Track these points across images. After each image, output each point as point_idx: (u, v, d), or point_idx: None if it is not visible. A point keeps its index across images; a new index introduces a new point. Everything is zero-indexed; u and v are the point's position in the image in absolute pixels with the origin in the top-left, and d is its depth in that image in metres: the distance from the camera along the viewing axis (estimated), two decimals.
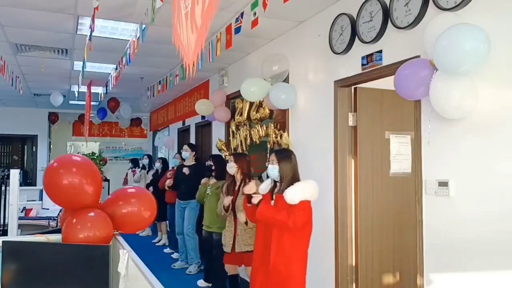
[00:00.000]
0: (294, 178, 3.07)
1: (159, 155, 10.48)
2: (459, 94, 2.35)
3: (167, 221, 7.34)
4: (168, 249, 7.24)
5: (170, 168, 7.57)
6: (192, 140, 7.73)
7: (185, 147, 6.13)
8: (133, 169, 8.88)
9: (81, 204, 2.42)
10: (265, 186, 3.22)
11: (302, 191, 2.94)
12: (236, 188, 4.15)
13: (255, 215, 3.07)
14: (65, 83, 7.58)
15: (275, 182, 3.17)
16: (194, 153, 6.01)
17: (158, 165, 7.88)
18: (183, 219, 5.98)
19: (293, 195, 2.91)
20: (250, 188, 3.30)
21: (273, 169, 3.11)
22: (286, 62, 4.35)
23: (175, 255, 6.79)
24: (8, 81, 6.04)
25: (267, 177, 3.29)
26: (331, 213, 3.65)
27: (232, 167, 4.16)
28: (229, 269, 4.28)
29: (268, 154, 4.75)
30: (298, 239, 3.00)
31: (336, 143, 3.63)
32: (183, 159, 6.38)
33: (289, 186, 3.00)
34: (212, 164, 5.07)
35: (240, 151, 5.34)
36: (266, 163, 3.28)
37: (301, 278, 3.00)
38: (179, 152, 6.95)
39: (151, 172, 8.20)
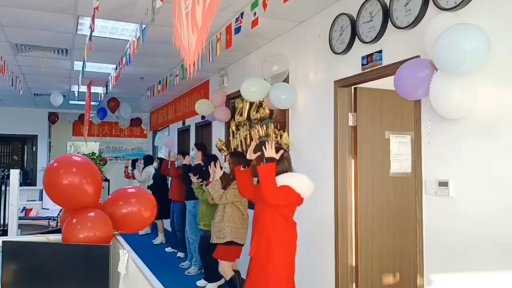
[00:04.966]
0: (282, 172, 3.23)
1: (159, 155, 10.49)
2: (459, 94, 2.34)
3: (170, 219, 7.34)
4: (170, 248, 7.24)
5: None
6: (192, 140, 7.73)
7: (193, 146, 6.25)
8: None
9: (81, 204, 2.42)
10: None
11: (288, 177, 3.16)
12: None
13: (261, 168, 3.13)
14: (65, 83, 7.58)
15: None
16: (200, 152, 5.95)
17: (155, 165, 7.86)
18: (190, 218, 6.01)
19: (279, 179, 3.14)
20: (251, 149, 3.51)
21: None
22: (286, 62, 4.35)
23: (180, 254, 6.83)
24: (8, 81, 6.03)
25: None
26: (331, 213, 3.65)
27: (227, 167, 4.34)
28: (224, 271, 4.32)
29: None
30: (279, 226, 3.14)
31: (336, 143, 3.63)
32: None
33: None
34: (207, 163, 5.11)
35: (240, 151, 5.33)
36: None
37: (279, 263, 3.11)
38: (182, 153, 6.95)
39: (147, 171, 8.24)
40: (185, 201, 6.08)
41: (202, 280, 5.25)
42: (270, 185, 3.06)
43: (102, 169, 9.96)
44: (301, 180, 3.17)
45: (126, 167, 8.94)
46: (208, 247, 4.70)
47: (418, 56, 2.77)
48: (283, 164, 3.24)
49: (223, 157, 5.75)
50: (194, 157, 6.05)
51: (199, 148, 6.02)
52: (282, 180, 3.13)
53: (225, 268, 4.36)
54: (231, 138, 5.79)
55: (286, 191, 3.09)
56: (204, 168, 5.18)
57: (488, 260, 2.37)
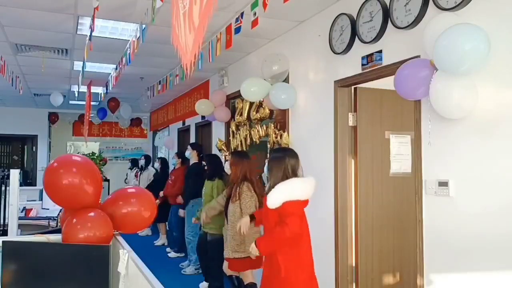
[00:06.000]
0: (284, 179, 2.88)
1: (159, 155, 10.49)
2: (459, 94, 2.35)
3: (167, 222, 7.37)
4: (169, 249, 7.25)
5: (171, 169, 7.61)
6: (192, 140, 7.74)
7: (188, 146, 6.31)
8: (134, 169, 8.91)
9: (81, 204, 2.42)
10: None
11: (281, 193, 2.79)
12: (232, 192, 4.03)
13: (262, 251, 2.92)
14: (65, 83, 7.58)
15: None
16: (195, 151, 6.07)
17: (157, 165, 7.90)
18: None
19: (272, 199, 2.79)
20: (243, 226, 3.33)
21: (266, 167, 3.14)
22: (286, 62, 4.35)
23: (172, 254, 6.87)
24: (8, 81, 6.04)
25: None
26: (331, 213, 3.65)
27: (228, 168, 4.18)
28: (247, 277, 4.19)
29: (268, 154, 4.76)
30: (296, 243, 2.88)
31: (336, 143, 3.63)
32: (182, 159, 6.61)
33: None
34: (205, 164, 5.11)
35: (242, 151, 5.32)
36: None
37: (306, 275, 2.96)
38: (178, 153, 7.04)
39: (149, 173, 8.23)
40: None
41: (204, 282, 5.23)
42: (283, 243, 2.80)
43: (102, 169, 9.97)
44: (297, 185, 2.85)
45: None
46: (207, 249, 4.70)
47: (418, 56, 2.76)
48: (281, 172, 2.89)
49: (224, 157, 5.75)
50: (190, 156, 6.13)
51: (194, 148, 6.14)
52: (279, 193, 2.80)
53: (249, 275, 4.04)
54: (231, 138, 5.79)
55: (292, 217, 2.76)
56: (205, 167, 5.16)
57: (488, 259, 2.37)
